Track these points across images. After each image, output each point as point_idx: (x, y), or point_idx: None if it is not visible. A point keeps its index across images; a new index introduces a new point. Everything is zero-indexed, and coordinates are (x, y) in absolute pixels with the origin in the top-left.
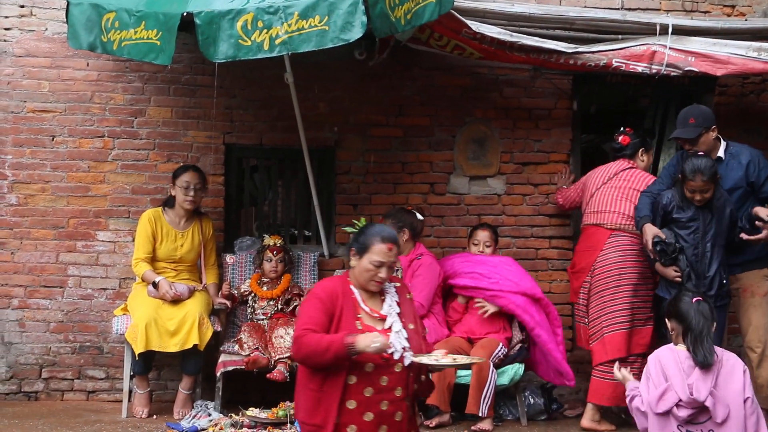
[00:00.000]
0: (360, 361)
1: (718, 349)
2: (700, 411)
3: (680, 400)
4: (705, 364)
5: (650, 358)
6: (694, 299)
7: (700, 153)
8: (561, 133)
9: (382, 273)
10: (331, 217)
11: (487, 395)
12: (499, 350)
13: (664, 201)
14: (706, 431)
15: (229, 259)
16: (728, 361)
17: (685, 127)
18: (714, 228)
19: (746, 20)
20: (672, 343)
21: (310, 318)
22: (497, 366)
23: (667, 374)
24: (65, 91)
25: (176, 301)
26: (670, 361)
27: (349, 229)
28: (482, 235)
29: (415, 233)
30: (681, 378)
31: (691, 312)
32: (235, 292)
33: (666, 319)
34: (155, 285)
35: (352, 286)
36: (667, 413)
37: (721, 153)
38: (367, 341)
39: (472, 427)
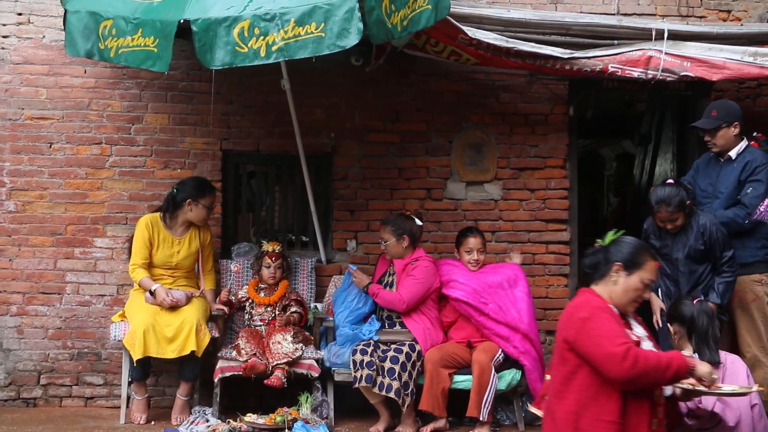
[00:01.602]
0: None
1: (720, 352)
2: (709, 416)
3: (689, 410)
4: (711, 363)
5: None
6: (695, 300)
7: (667, 182)
8: (557, 139)
9: (647, 293)
10: (328, 223)
11: (488, 399)
12: (499, 354)
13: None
14: None
15: (233, 267)
16: (732, 363)
17: (706, 118)
18: (686, 251)
19: (742, 25)
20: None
21: (618, 332)
22: (497, 370)
23: None
24: (63, 98)
25: (174, 307)
26: None
27: (600, 241)
28: (474, 242)
29: (415, 239)
30: None
31: (694, 313)
32: (233, 298)
33: (669, 324)
34: (152, 293)
35: (611, 306)
36: None
37: (733, 153)
38: (706, 369)
39: None
